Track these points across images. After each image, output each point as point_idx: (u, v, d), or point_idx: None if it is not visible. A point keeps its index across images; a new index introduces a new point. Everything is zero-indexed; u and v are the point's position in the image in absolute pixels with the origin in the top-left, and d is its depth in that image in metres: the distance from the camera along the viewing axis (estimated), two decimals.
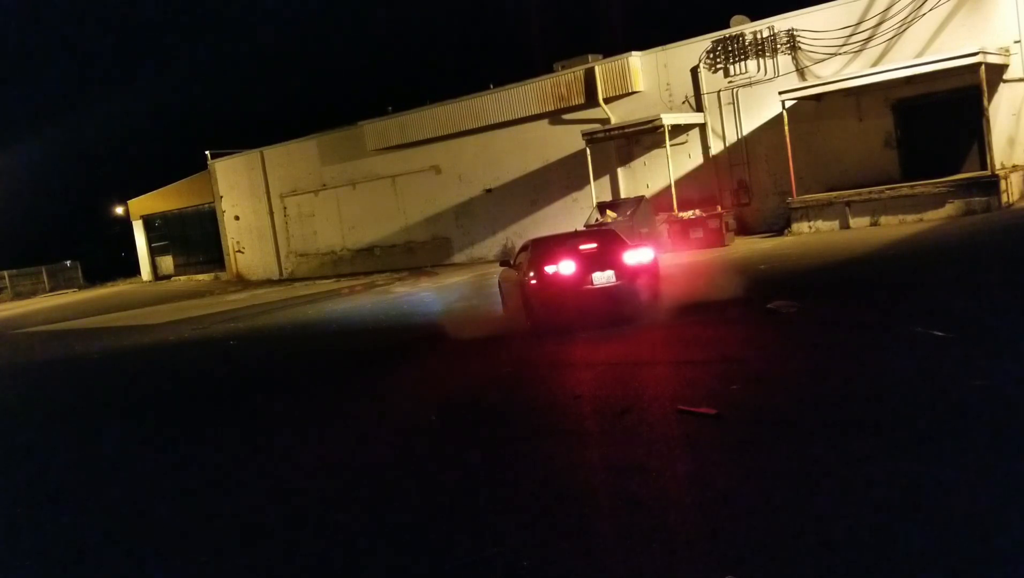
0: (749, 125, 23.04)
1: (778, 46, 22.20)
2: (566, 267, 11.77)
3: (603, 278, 11.72)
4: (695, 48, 23.73)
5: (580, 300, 11.64)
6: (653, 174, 24.47)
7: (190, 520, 6.19)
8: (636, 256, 12.11)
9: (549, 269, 11.86)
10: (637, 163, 24.95)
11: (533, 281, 12.08)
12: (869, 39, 20.71)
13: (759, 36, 22.54)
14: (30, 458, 9.23)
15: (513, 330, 12.57)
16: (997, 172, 18.44)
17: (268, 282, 34.37)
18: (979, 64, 17.98)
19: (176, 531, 5.98)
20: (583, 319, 11.64)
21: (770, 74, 22.42)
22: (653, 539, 4.68)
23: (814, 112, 21.59)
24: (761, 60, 22.59)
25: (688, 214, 22.16)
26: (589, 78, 25.29)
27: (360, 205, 32.15)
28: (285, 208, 34.85)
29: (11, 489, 7.96)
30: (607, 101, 25.06)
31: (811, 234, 20.32)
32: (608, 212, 24.09)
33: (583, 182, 24.61)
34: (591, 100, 25.30)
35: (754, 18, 23.06)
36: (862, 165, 21.12)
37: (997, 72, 19.14)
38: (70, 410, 11.92)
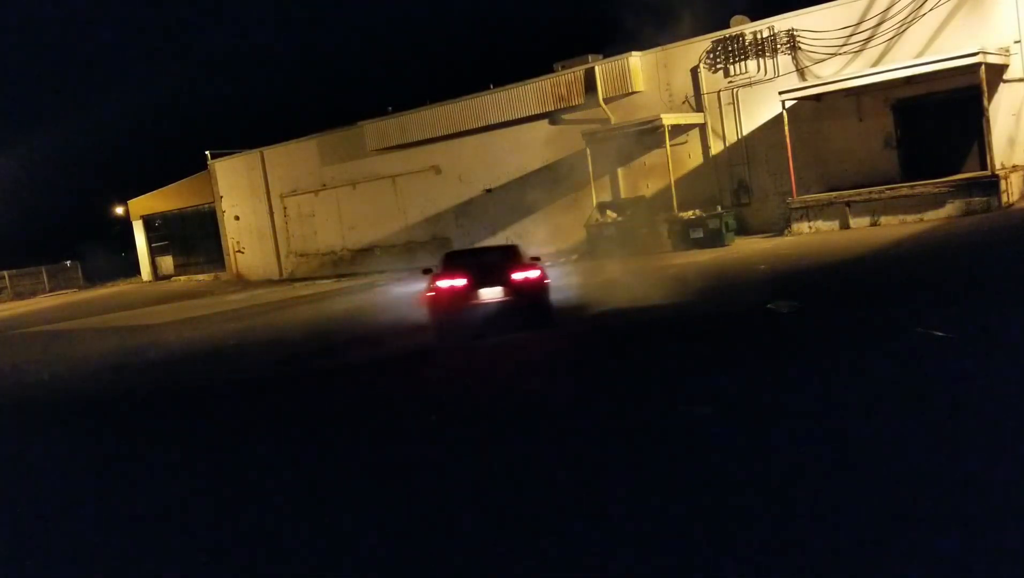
0: (749, 125, 23.04)
1: (778, 46, 22.20)
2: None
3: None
4: (695, 48, 23.73)
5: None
6: (653, 174, 24.46)
7: None
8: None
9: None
10: (637, 163, 24.93)
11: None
12: (869, 39, 20.71)
13: (759, 36, 22.54)
14: None
15: None
16: (997, 172, 18.44)
17: (268, 282, 34.36)
18: (979, 64, 17.98)
19: None
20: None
21: (770, 74, 22.42)
22: (653, 538, 4.68)
23: (814, 112, 21.58)
24: (761, 60, 22.59)
25: (688, 214, 22.16)
26: (589, 78, 25.29)
27: (360, 205, 32.15)
28: (285, 208, 34.86)
29: None
30: (607, 101, 25.05)
31: (811, 234, 20.32)
32: (608, 212, 24.12)
33: (583, 182, 24.60)
34: (591, 100, 25.30)
35: (754, 18, 23.07)
36: (862, 165, 21.11)
37: (997, 72, 19.13)
38: None
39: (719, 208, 22.14)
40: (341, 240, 33.16)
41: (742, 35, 22.84)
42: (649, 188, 24.56)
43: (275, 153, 34.97)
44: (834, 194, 20.56)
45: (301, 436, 8.24)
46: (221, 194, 37.11)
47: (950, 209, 18.54)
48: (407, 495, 5.93)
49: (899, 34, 20.28)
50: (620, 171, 25.29)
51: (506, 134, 27.50)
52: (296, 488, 6.51)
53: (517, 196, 27.32)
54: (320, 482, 6.58)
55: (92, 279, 48.40)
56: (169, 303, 29.39)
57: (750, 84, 22.85)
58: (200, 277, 39.28)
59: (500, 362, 10.82)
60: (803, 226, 20.69)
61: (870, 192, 19.78)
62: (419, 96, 31.40)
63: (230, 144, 38.77)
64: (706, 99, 23.63)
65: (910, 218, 18.97)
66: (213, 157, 37.41)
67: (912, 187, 19.21)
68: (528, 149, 26.90)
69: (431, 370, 10.99)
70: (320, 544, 5.23)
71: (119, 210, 47.73)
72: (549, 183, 26.38)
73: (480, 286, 11.82)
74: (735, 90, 23.13)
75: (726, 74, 23.22)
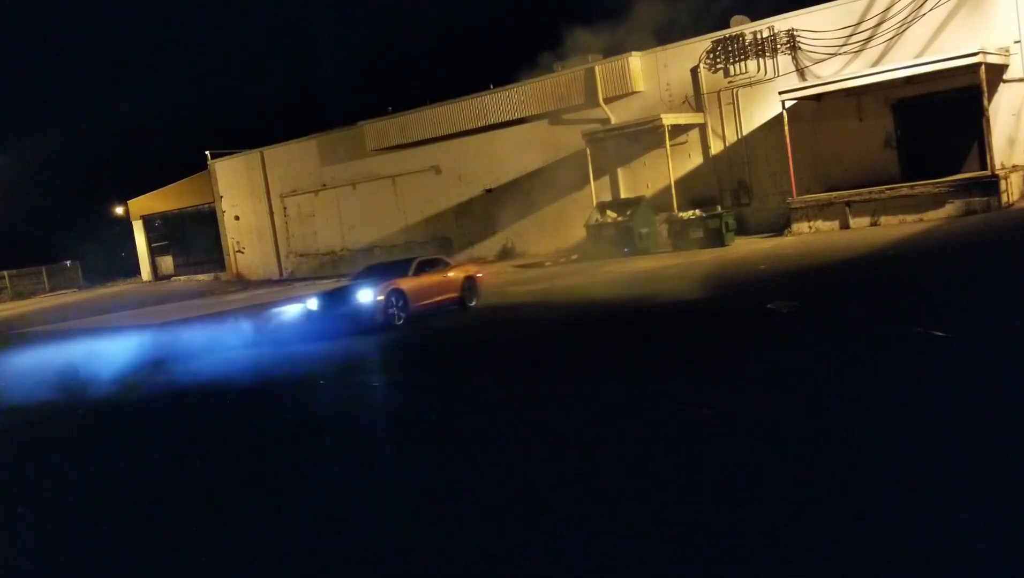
0: (749, 125, 23.04)
1: (778, 46, 22.20)
2: None
3: None
4: (695, 48, 23.73)
5: None
6: (653, 174, 24.46)
7: None
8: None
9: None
10: (637, 163, 24.93)
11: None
12: (869, 39, 20.71)
13: (759, 36, 22.54)
14: None
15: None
16: (997, 172, 18.44)
17: (268, 282, 34.36)
18: (979, 64, 17.98)
19: None
20: None
21: (770, 74, 22.42)
22: (654, 537, 4.68)
23: (814, 112, 21.59)
24: (761, 60, 22.59)
25: (688, 214, 22.15)
26: (589, 78, 25.29)
27: (360, 205, 32.14)
28: (285, 208, 34.86)
29: None
30: (607, 101, 25.05)
31: (811, 234, 20.32)
32: (608, 212, 24.12)
33: (583, 182, 24.60)
34: (591, 100, 25.30)
35: (754, 18, 23.07)
36: (862, 165, 21.11)
37: (997, 72, 19.14)
38: None
39: (719, 208, 22.13)
40: (341, 240, 33.16)
41: (742, 35, 22.84)
42: (649, 188, 24.56)
43: (275, 153, 34.97)
44: (834, 194, 20.56)
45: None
46: (221, 194, 37.12)
47: (950, 209, 18.54)
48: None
49: (899, 34, 20.28)
50: (620, 171, 25.29)
51: (506, 134, 27.50)
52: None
53: (517, 196, 27.32)
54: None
55: (92, 279, 48.36)
56: (169, 303, 29.37)
57: (750, 84, 22.85)
58: (200, 277, 39.25)
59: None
60: (803, 226, 20.69)
61: (870, 192, 19.78)
62: (419, 96, 31.31)
63: (230, 144, 38.68)
64: (706, 99, 23.62)
65: (910, 218, 18.97)
66: (213, 157, 37.41)
67: (912, 187, 19.21)
68: (528, 149, 26.90)
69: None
70: None
71: (119, 210, 47.67)
72: (549, 183, 26.39)
73: None
74: (735, 90, 23.13)
75: (726, 74, 23.22)
